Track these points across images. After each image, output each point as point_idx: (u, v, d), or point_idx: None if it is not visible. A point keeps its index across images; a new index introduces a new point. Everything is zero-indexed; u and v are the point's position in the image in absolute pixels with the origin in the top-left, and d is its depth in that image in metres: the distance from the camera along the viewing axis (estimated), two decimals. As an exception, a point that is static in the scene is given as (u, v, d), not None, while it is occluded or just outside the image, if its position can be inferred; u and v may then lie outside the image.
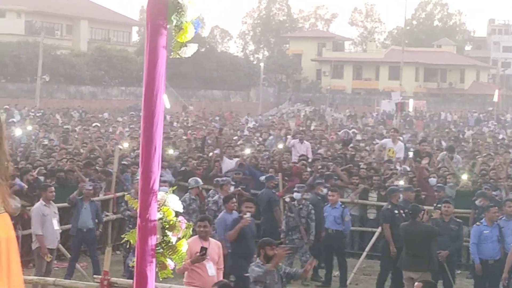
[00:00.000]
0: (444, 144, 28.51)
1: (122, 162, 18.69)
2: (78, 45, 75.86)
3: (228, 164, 19.59)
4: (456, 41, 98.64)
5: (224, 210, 13.57)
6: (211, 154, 21.12)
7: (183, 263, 4.29)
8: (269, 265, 9.51)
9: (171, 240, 3.93)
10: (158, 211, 3.92)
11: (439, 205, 14.72)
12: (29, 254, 13.80)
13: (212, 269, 10.11)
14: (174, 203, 3.99)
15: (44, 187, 14.12)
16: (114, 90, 67.59)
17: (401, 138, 24.77)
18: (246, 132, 34.45)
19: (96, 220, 14.84)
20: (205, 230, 10.37)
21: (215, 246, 10.43)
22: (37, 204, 13.57)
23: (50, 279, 10.04)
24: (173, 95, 54.95)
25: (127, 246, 8.66)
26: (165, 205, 3.96)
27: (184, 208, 14.56)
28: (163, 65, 3.87)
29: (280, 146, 23.95)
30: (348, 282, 15.14)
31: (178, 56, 3.95)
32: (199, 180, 16.18)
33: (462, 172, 19.04)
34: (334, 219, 15.11)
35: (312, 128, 34.34)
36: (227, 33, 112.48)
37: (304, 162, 19.54)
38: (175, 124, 38.10)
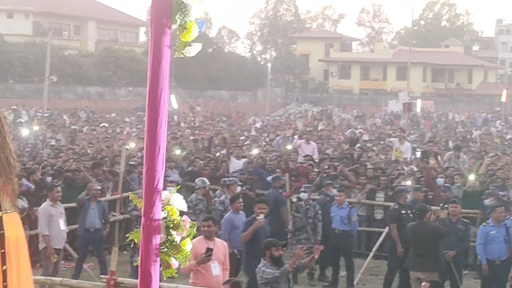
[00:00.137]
0: (451, 144, 28.48)
1: (129, 163, 18.71)
2: (85, 46, 76.02)
3: (236, 164, 19.60)
4: (463, 41, 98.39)
5: (231, 210, 13.59)
6: (218, 154, 21.14)
7: (189, 263, 4.29)
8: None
9: (175, 239, 3.93)
10: (163, 210, 3.92)
11: (446, 205, 14.68)
12: (36, 254, 13.82)
13: (217, 269, 10.08)
14: (178, 202, 3.99)
15: (50, 187, 14.15)
16: (122, 91, 67.67)
17: (408, 138, 24.74)
18: (253, 133, 34.50)
19: (103, 220, 14.87)
20: (209, 229, 10.34)
21: (220, 246, 10.41)
22: (43, 204, 13.59)
23: (57, 279, 10.07)
24: (181, 95, 55.07)
25: (132, 246, 8.67)
26: (169, 204, 3.96)
27: (191, 208, 14.51)
28: (167, 64, 3.86)
29: (289, 147, 23.92)
30: (355, 282, 15.12)
31: (182, 56, 3.95)
32: (206, 180, 16.20)
33: (469, 172, 19.00)
34: (341, 219, 15.07)
35: (319, 128, 34.36)
36: (234, 34, 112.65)
37: (311, 162, 19.54)
38: (182, 124, 38.16)
